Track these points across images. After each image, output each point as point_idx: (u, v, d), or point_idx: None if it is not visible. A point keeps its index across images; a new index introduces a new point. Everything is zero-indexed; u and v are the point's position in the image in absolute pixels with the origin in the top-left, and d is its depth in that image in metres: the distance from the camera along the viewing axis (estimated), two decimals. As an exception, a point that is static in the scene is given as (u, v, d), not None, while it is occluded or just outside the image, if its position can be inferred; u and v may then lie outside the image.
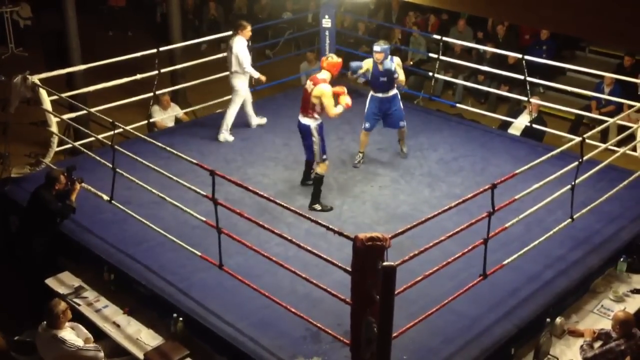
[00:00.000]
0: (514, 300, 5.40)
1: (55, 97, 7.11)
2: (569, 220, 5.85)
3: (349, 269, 4.16)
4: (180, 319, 5.24)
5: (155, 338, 5.30)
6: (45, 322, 5.09)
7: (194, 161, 5.52)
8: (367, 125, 7.53)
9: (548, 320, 5.27)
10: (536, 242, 5.53)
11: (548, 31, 10.72)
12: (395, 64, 7.33)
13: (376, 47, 7.27)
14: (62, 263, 6.18)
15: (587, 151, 5.91)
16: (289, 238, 4.71)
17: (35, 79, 7.04)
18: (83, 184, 6.27)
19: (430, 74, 9.31)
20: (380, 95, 7.43)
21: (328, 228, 4.41)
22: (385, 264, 3.90)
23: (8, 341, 5.64)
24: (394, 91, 7.46)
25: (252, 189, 5.07)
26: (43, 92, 7.04)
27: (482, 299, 5.31)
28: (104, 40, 13.21)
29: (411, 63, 11.59)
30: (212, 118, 8.81)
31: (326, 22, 9.69)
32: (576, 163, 5.66)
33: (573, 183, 5.70)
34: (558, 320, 5.38)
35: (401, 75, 7.45)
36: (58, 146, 7.32)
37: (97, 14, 14.20)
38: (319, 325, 4.71)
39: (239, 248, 5.30)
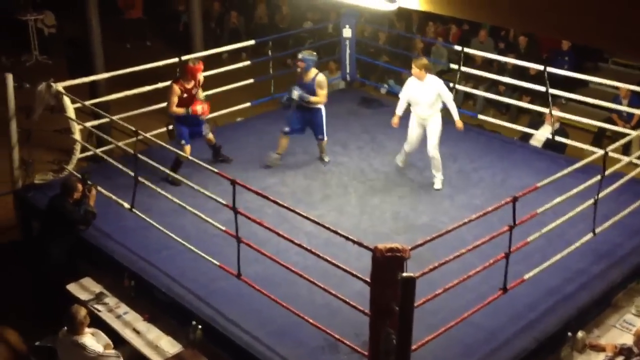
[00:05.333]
0: (535, 313, 5.36)
1: (78, 104, 7.20)
2: (591, 234, 5.80)
3: (368, 279, 4.15)
4: (199, 326, 5.26)
5: (174, 345, 5.32)
6: (65, 328, 5.13)
7: (215, 170, 5.55)
8: (287, 129, 7.58)
9: (569, 334, 5.22)
10: (558, 257, 5.49)
11: (570, 42, 10.66)
12: (315, 82, 7.30)
13: (298, 55, 7.37)
14: (83, 269, 6.23)
15: (610, 164, 5.86)
16: (308, 248, 4.72)
17: (59, 86, 7.12)
18: (98, 188, 6.35)
19: (451, 84, 9.28)
20: (298, 101, 7.39)
21: (347, 238, 4.42)
22: (404, 275, 3.88)
23: (29, 346, 5.70)
24: (317, 105, 7.41)
25: (272, 198, 5.09)
26: (67, 100, 7.12)
27: (503, 311, 5.27)
28: (123, 51, 13.32)
29: (432, 73, 11.56)
30: (232, 126, 8.86)
31: (347, 32, 9.71)
32: (599, 176, 5.61)
33: (595, 197, 5.65)
34: (579, 334, 5.33)
35: (315, 97, 7.32)
36: (81, 153, 7.39)
37: (115, 25, 14.30)
38: (337, 335, 4.71)
39: (258, 257, 5.32)
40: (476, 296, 5.07)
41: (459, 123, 7.14)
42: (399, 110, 7.28)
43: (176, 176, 6.48)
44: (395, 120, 7.33)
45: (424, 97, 7.04)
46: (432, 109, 7.07)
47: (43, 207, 6.54)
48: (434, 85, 7.02)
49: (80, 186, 6.23)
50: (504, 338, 5.10)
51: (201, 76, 7.22)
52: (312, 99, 7.34)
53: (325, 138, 7.69)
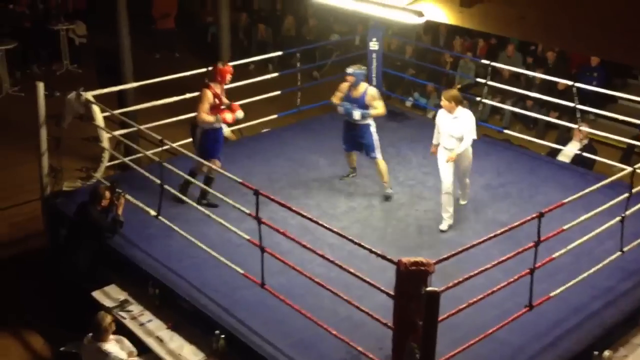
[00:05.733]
0: (560, 331, 5.28)
1: (107, 113, 7.29)
2: (619, 252, 5.71)
3: (392, 292, 4.13)
4: (222, 336, 5.27)
5: (197, 354, 5.33)
6: (90, 334, 5.18)
7: (239, 180, 5.58)
8: (344, 146, 7.53)
9: (595, 353, 5.13)
10: (585, 275, 5.41)
11: (599, 58, 10.56)
12: (367, 95, 7.09)
13: (347, 70, 7.16)
14: (109, 276, 6.29)
15: (639, 181, 5.78)
16: (331, 259, 4.71)
17: (89, 95, 7.22)
18: (127, 196, 6.40)
19: (478, 98, 9.24)
20: (349, 119, 7.21)
21: (371, 251, 4.41)
22: (428, 289, 3.86)
23: (53, 352, 5.76)
24: (365, 121, 7.13)
25: (296, 209, 5.10)
26: (96, 109, 7.22)
27: (528, 328, 5.20)
28: (152, 61, 13.46)
29: (459, 87, 11.52)
30: (258, 137, 8.91)
31: (373, 45, 9.73)
32: (627, 194, 5.54)
33: (623, 214, 5.57)
34: (606, 353, 5.24)
35: (375, 109, 7.09)
36: (109, 161, 7.48)
37: (146, 35, 14.46)
38: (359, 348, 4.69)
39: (281, 268, 5.32)
40: (501, 312, 5.01)
41: (452, 154, 6.55)
42: (436, 140, 6.88)
43: (209, 190, 6.43)
44: (433, 150, 6.95)
45: (455, 131, 6.56)
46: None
47: (71, 214, 6.62)
48: (464, 121, 6.55)
49: (108, 194, 6.29)
50: (529, 356, 5.03)
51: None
52: (373, 112, 7.11)
53: (381, 157, 7.22)
